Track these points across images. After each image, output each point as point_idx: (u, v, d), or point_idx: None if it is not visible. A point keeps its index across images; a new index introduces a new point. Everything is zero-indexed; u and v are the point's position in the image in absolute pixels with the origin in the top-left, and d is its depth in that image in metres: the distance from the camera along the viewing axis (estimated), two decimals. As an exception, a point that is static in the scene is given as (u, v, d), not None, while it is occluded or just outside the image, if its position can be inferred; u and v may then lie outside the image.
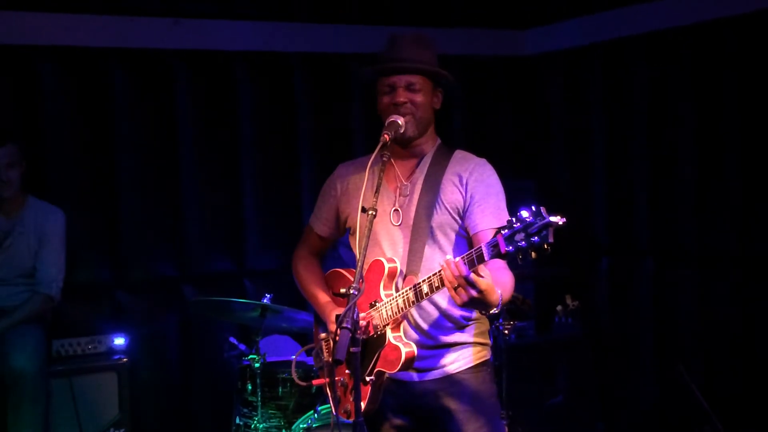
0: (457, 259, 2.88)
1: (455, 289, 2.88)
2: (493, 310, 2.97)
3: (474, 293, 2.86)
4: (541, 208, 2.70)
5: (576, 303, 6.07)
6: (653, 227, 5.91)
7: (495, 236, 2.78)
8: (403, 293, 3.12)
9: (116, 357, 5.26)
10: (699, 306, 5.63)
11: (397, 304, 3.13)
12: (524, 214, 2.72)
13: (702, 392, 5.15)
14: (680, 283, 5.75)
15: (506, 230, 2.74)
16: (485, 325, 3.41)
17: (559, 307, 6.10)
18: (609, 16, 6.05)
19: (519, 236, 2.71)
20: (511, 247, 2.73)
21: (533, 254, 2.70)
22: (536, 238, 2.68)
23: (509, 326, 5.18)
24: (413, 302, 3.09)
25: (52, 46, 5.54)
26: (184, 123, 5.88)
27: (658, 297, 5.89)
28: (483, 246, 2.82)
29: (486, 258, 2.82)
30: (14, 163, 4.99)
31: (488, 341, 3.41)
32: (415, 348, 3.15)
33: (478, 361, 3.33)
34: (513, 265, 2.95)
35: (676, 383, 5.38)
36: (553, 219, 2.67)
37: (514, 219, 2.74)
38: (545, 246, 2.68)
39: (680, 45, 5.65)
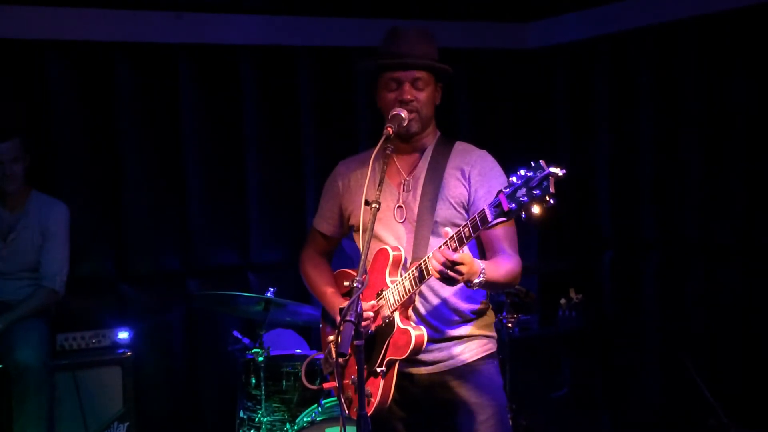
0: (440, 246, 2.92)
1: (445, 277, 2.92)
2: (477, 279, 2.95)
3: (460, 271, 2.89)
4: (541, 161, 2.69)
5: (580, 296, 6.08)
6: (658, 220, 5.90)
7: (497, 196, 2.77)
8: (408, 274, 3.10)
9: (120, 351, 5.26)
10: (704, 299, 5.61)
11: (404, 287, 3.12)
12: (522, 172, 2.71)
13: (707, 385, 5.15)
14: (685, 275, 5.74)
15: (507, 188, 2.73)
16: (491, 317, 3.41)
17: (562, 301, 6.11)
18: (613, 8, 6.03)
19: (521, 192, 2.70)
20: (513, 204, 2.72)
21: (537, 208, 2.69)
22: (538, 190, 2.66)
23: (513, 319, 5.19)
24: (419, 281, 3.07)
25: (56, 40, 5.54)
26: (188, 117, 5.88)
27: (663, 290, 5.88)
28: (486, 207, 2.81)
29: (490, 219, 2.81)
30: (18, 157, 5.01)
31: (494, 334, 3.42)
32: (425, 331, 3.14)
33: (484, 354, 3.34)
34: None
35: (680, 376, 5.38)
36: (553, 170, 2.66)
37: (514, 178, 2.73)
38: (547, 198, 2.66)
39: (685, 37, 5.63)
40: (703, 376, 5.21)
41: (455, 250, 2.92)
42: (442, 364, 3.29)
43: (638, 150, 5.97)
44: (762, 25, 5.22)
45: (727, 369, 5.47)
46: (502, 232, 3.22)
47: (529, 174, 2.69)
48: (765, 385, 5.30)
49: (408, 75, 3.25)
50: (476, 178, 3.27)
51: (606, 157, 6.22)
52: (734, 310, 5.47)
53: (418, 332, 3.12)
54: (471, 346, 3.31)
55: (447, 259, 2.87)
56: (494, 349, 3.40)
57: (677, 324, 5.75)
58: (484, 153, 3.36)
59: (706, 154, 5.57)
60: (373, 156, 3.14)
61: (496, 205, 2.77)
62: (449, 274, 2.89)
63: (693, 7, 5.55)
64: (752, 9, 5.24)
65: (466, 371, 3.29)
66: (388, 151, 3.20)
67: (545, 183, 2.65)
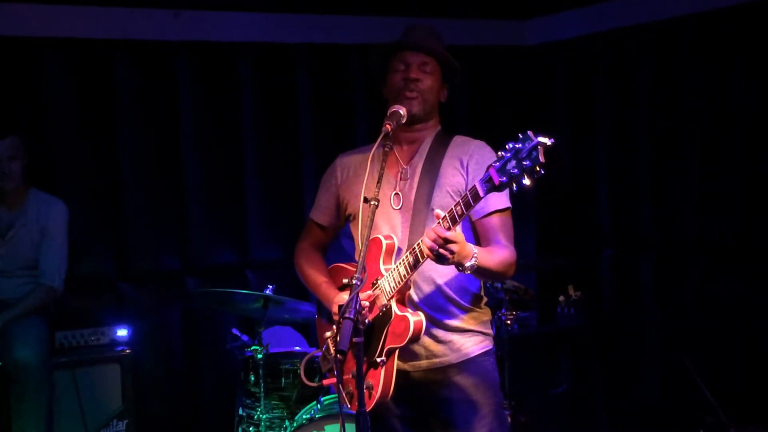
0: (433, 226, 2.92)
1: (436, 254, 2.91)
2: (468, 263, 2.96)
3: (452, 249, 2.89)
4: (528, 132, 2.70)
5: (578, 293, 6.07)
6: (657, 218, 5.89)
7: (487, 171, 2.77)
8: (402, 260, 3.10)
9: (119, 349, 5.25)
10: (703, 298, 5.61)
11: (399, 273, 3.11)
12: (510, 145, 2.73)
13: (705, 383, 5.14)
14: (684, 274, 5.73)
15: (497, 162, 2.74)
16: (487, 315, 3.42)
17: (561, 298, 6.10)
18: (613, 5, 6.03)
19: (510, 164, 2.71)
20: (504, 177, 2.73)
21: (527, 179, 2.69)
22: (528, 161, 2.67)
23: (512, 316, 5.18)
24: (413, 266, 3.07)
25: (55, 38, 5.53)
26: (187, 114, 5.88)
27: (662, 289, 5.88)
28: (477, 183, 2.82)
29: (482, 194, 2.82)
30: (16, 155, 5.00)
31: (490, 331, 3.42)
32: (423, 317, 3.13)
33: (481, 350, 3.34)
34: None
35: (679, 374, 5.37)
36: (541, 139, 2.67)
37: (503, 151, 2.74)
38: (537, 168, 2.67)
39: (685, 34, 5.62)
40: (702, 376, 5.20)
41: (448, 229, 2.92)
42: (438, 360, 3.29)
43: (638, 148, 5.96)
44: (762, 23, 5.21)
45: (727, 369, 5.46)
46: (497, 223, 3.24)
47: (517, 146, 2.70)
48: (765, 385, 5.29)
49: (417, 58, 3.31)
50: (473, 167, 3.28)
51: (605, 155, 6.22)
52: (734, 310, 5.46)
53: (416, 318, 3.12)
54: (468, 343, 3.32)
55: (439, 236, 2.87)
56: (491, 346, 3.40)
57: (677, 323, 5.74)
58: (482, 143, 3.37)
59: (706, 153, 5.56)
60: (372, 152, 3.14)
61: (487, 180, 2.78)
62: (441, 251, 2.89)
63: (693, 4, 5.54)
64: (752, 6, 5.23)
65: (463, 368, 3.30)
66: (386, 148, 3.21)
67: (534, 153, 2.66)
